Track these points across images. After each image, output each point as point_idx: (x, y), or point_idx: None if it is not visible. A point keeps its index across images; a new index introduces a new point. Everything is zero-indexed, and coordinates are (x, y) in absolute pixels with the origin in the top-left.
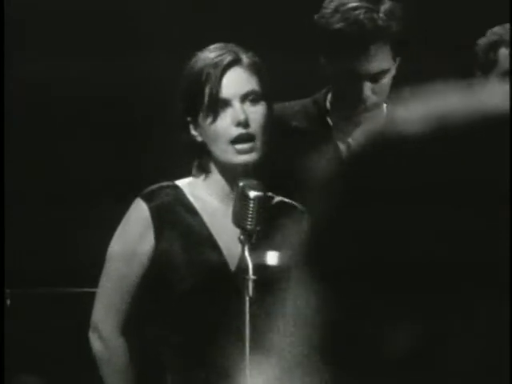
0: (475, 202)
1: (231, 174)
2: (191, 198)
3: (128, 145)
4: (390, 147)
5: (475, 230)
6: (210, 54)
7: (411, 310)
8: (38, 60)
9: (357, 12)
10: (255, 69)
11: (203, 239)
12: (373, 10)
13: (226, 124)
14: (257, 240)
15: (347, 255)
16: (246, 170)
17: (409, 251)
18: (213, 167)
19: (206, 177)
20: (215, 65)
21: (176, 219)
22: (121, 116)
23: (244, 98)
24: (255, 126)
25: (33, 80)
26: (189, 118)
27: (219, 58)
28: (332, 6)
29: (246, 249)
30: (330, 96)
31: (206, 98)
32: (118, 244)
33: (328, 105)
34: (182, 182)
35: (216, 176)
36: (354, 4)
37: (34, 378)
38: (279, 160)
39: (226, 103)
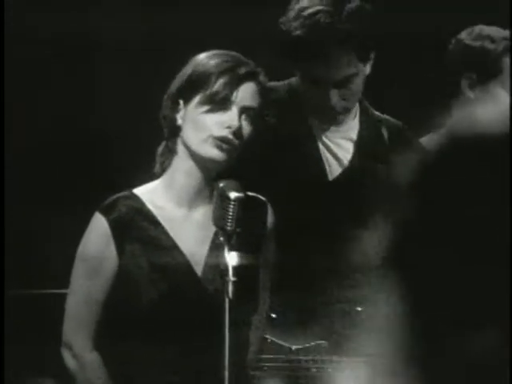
0: None
1: (196, 167)
2: (151, 207)
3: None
4: (478, 147)
5: None
6: (230, 55)
7: (496, 313)
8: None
9: (316, 17)
10: (264, 91)
11: (167, 249)
12: (333, 14)
13: (216, 121)
14: (236, 240)
15: (430, 258)
16: (208, 168)
17: (491, 252)
18: (180, 151)
19: (167, 174)
20: (235, 67)
21: (137, 231)
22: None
23: (244, 110)
24: (240, 140)
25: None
26: (180, 100)
27: (241, 64)
28: (295, 9)
29: (226, 250)
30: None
31: (214, 89)
32: (81, 261)
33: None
34: (140, 191)
35: (176, 174)
36: (315, 8)
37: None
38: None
39: (227, 104)
